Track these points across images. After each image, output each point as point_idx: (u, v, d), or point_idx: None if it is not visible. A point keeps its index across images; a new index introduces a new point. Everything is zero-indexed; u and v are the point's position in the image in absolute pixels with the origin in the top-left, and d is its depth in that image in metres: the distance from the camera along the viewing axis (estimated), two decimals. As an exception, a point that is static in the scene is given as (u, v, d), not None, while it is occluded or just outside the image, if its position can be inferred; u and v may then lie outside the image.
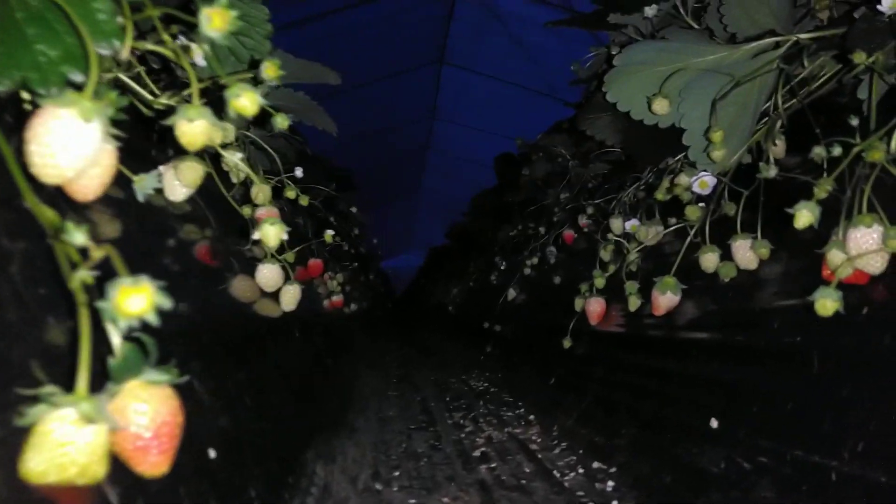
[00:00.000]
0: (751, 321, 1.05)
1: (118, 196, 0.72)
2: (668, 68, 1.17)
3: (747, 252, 1.02)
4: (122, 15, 0.56)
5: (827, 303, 0.70)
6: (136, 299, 0.34)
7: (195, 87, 0.51)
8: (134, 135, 0.82)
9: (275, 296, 1.03)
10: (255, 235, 0.70)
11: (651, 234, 1.34)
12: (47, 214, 0.46)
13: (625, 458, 1.15)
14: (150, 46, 0.58)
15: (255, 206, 1.06)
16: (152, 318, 0.36)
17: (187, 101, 0.52)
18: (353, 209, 2.27)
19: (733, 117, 1.12)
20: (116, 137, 0.56)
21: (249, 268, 1.02)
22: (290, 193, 1.20)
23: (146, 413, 0.43)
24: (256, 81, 0.97)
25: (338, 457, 1.10)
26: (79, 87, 0.47)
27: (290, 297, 1.03)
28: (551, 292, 2.05)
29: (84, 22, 0.45)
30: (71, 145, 0.40)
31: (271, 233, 0.71)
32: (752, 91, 1.11)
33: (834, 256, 0.72)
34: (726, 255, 1.03)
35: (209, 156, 0.88)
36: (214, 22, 0.50)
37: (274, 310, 1.21)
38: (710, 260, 1.06)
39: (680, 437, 1.05)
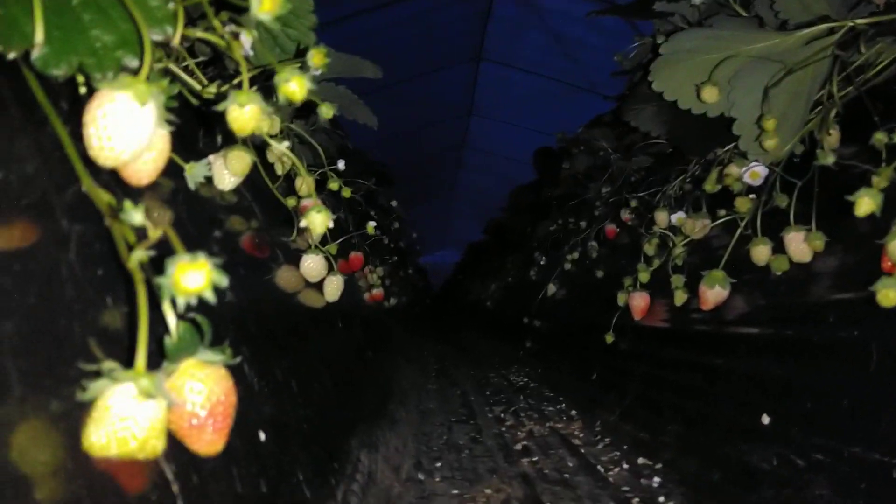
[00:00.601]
0: (804, 316, 1.02)
1: (168, 186, 0.74)
2: (718, 56, 1.14)
3: (801, 244, 0.99)
4: (174, 1, 0.56)
5: (890, 294, 0.68)
6: (195, 276, 0.35)
7: (245, 73, 0.51)
8: (184, 125, 0.84)
9: (318, 286, 1.04)
10: (302, 223, 0.71)
11: (698, 226, 1.31)
12: (103, 197, 0.47)
13: (671, 454, 1.13)
14: (200, 34, 0.58)
15: (299, 197, 1.07)
16: (209, 296, 0.36)
17: (237, 89, 0.53)
18: (394, 203, 2.28)
19: (786, 106, 1.09)
20: (170, 123, 0.57)
21: (294, 259, 1.04)
22: (334, 185, 1.21)
23: (201, 392, 0.43)
24: (302, 70, 0.98)
25: (380, 446, 1.10)
26: (133, 73, 0.48)
27: (334, 287, 1.04)
28: (592, 288, 2.02)
29: (137, 8, 0.45)
30: (126, 128, 0.41)
31: (318, 220, 0.71)
32: (805, 79, 1.08)
33: (896, 247, 0.69)
34: (778, 248, 1.00)
35: (254, 148, 0.89)
36: (265, 5, 0.50)
37: (317, 300, 1.22)
38: (761, 253, 1.03)
39: (729, 434, 1.02)
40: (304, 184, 1.19)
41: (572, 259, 2.28)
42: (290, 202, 1.07)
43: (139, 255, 0.39)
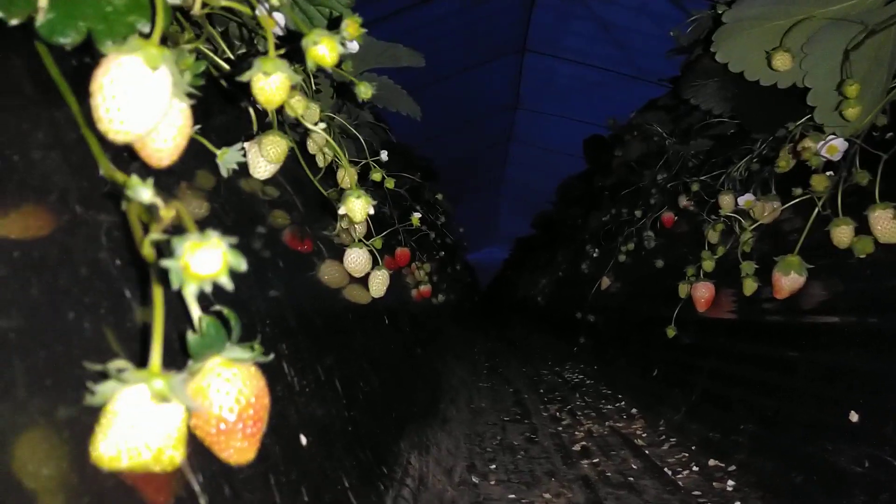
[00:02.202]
0: (893, 302, 0.92)
1: (207, 179, 0.70)
2: (788, 21, 1.05)
3: (888, 223, 0.90)
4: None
5: None
6: (208, 258, 0.29)
7: (271, 38, 0.46)
8: (216, 111, 0.80)
9: (363, 282, 0.99)
10: (341, 210, 0.66)
11: (768, 209, 1.21)
12: (119, 177, 0.42)
13: (745, 455, 1.04)
14: (224, 2, 0.54)
15: (341, 190, 1.03)
16: (226, 282, 0.31)
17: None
18: (439, 196, 2.23)
19: (865, 72, 0.99)
20: (193, 97, 0.52)
21: (338, 254, 0.99)
22: (377, 175, 1.16)
23: (229, 393, 0.38)
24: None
25: (432, 447, 1.05)
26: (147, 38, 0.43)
27: (379, 283, 0.99)
28: (649, 279, 1.93)
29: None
30: (137, 97, 0.36)
31: (357, 206, 0.66)
32: (888, 41, 0.98)
33: None
34: (862, 229, 0.91)
35: (295, 143, 0.85)
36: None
37: (363, 296, 1.17)
38: (843, 234, 0.94)
39: (811, 432, 0.93)
40: (346, 175, 1.15)
41: (627, 250, 2.19)
42: (333, 195, 1.02)
43: (154, 237, 0.35)
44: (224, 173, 0.63)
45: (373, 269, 0.96)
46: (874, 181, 0.92)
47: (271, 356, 0.42)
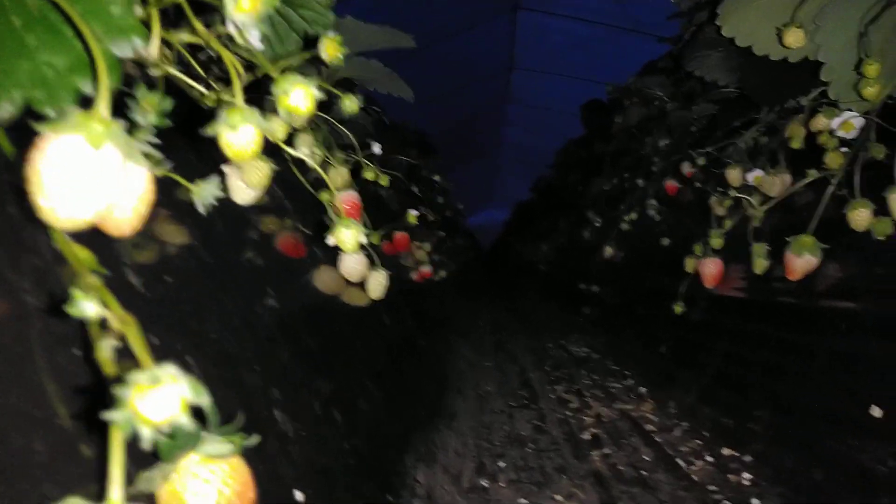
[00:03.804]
0: (916, 287, 0.88)
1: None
2: (798, -10, 0.98)
3: (909, 205, 0.85)
4: (146, 4, 0.47)
5: None
6: (160, 401, 0.25)
7: (237, 86, 0.41)
8: (195, 132, 0.75)
9: (361, 284, 0.95)
10: (331, 241, 0.61)
11: (777, 183, 1.17)
12: (79, 255, 0.38)
13: (762, 446, 1.02)
14: (185, 38, 0.48)
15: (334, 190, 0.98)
16: (185, 422, 0.27)
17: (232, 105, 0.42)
18: (437, 177, 2.17)
19: (882, 44, 0.93)
20: (152, 154, 0.48)
21: (333, 257, 0.94)
22: (370, 175, 1.11)
23: (208, 496, 0.34)
24: (317, 61, 0.86)
25: (439, 453, 1.02)
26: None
27: (377, 284, 0.95)
28: (654, 250, 1.89)
29: (94, 19, 0.36)
30: (82, 180, 0.31)
31: (348, 238, 0.61)
32: (907, 9, 0.92)
33: None
34: (880, 210, 0.86)
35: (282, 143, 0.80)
36: (242, 4, 0.39)
37: (361, 299, 1.14)
38: (861, 217, 0.89)
39: (831, 425, 0.90)
40: (338, 176, 1.09)
41: (630, 219, 2.14)
42: (325, 197, 0.98)
43: (106, 350, 0.30)
44: (202, 210, 0.58)
45: (371, 270, 0.91)
46: (892, 156, 0.87)
47: (255, 439, 0.39)
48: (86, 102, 0.33)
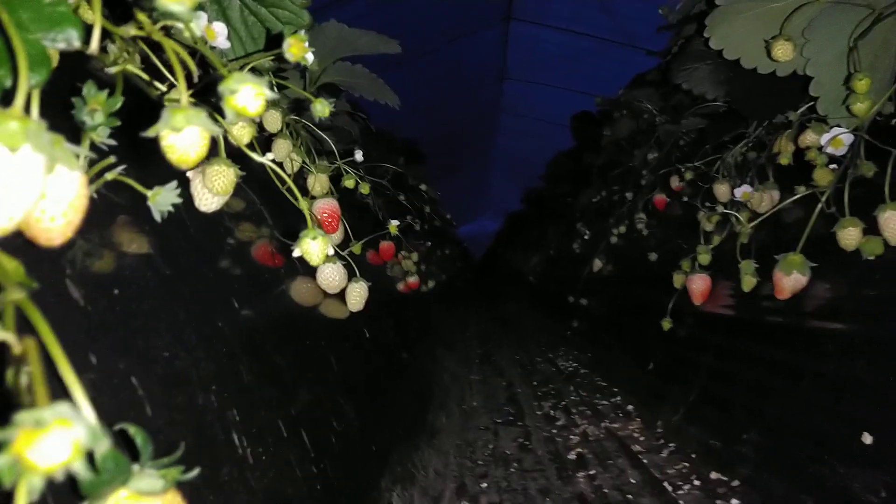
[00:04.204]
0: (907, 308, 0.86)
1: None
2: (787, 3, 0.96)
3: (899, 225, 0.83)
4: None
5: None
6: (51, 447, 0.22)
7: (181, 82, 0.38)
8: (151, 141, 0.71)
9: (340, 296, 0.91)
10: (296, 253, 0.58)
11: (765, 199, 1.15)
12: (6, 265, 0.35)
13: (750, 469, 0.99)
14: (132, 31, 0.45)
15: (312, 198, 0.95)
16: (80, 468, 0.23)
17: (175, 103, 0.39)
18: (423, 186, 2.15)
19: (871, 58, 0.91)
20: (92, 156, 0.44)
21: (311, 267, 0.91)
22: (349, 182, 1.08)
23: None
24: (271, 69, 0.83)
25: (418, 474, 0.99)
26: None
27: (357, 296, 0.91)
28: (643, 264, 1.86)
29: (22, 7, 0.33)
30: (-5, 189, 0.28)
31: (314, 250, 0.58)
32: (896, 26, 0.90)
33: None
34: (870, 229, 0.84)
35: (259, 144, 0.76)
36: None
37: (340, 311, 1.10)
38: (851, 236, 0.87)
39: (821, 450, 0.87)
40: (317, 183, 1.06)
41: (619, 232, 2.12)
42: (304, 205, 0.94)
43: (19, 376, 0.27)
44: (157, 217, 0.54)
45: (350, 281, 0.88)
46: (881, 174, 0.85)
47: (195, 471, 0.35)
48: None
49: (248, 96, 0.38)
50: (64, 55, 0.52)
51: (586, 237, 2.57)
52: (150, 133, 0.37)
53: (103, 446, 0.23)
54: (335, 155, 1.13)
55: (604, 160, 2.43)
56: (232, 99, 0.37)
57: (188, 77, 0.42)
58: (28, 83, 0.30)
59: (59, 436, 0.22)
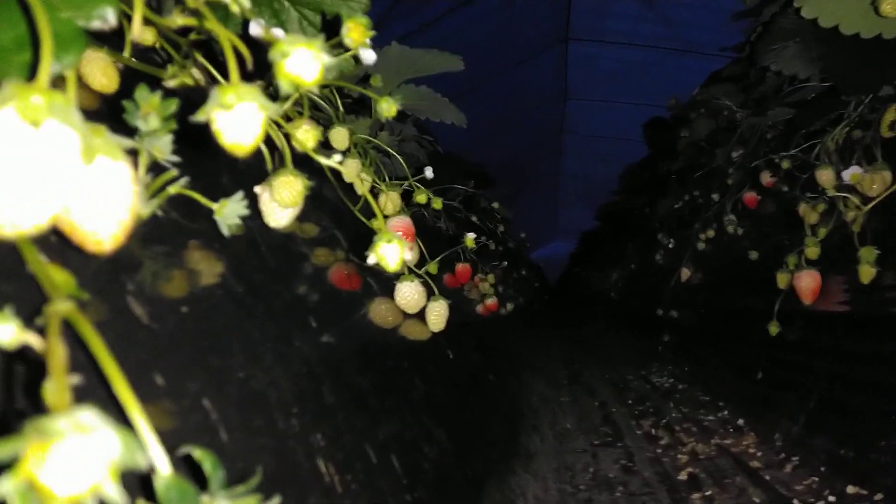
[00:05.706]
0: None
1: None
2: (888, -43, 0.87)
3: None
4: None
5: None
6: (66, 463, 0.17)
7: (230, 56, 0.34)
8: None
9: (420, 316, 0.86)
10: (371, 259, 0.53)
11: (877, 181, 1.04)
12: (58, 278, 0.31)
13: (893, 480, 0.87)
14: (178, 21, 0.42)
15: (385, 217, 0.92)
16: (115, 498, 0.18)
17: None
18: (495, 205, 2.10)
19: None
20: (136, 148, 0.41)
21: (389, 287, 0.86)
22: (421, 198, 1.04)
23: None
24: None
25: (518, 501, 0.92)
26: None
27: (438, 315, 0.86)
28: (737, 268, 1.75)
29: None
30: (11, 170, 0.24)
31: (390, 254, 0.53)
32: None
33: None
34: None
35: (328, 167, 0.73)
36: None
37: (420, 332, 1.05)
38: None
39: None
40: (389, 201, 1.02)
41: (706, 237, 2.00)
42: (376, 224, 0.91)
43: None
44: (225, 231, 0.51)
45: (429, 300, 0.83)
46: None
47: (276, 500, 0.30)
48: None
49: (302, 60, 0.33)
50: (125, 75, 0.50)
51: (670, 246, 2.45)
52: (199, 117, 0.34)
53: (139, 462, 0.18)
54: (405, 175, 1.10)
55: (682, 164, 2.32)
56: (283, 66, 0.33)
57: (241, 62, 0.39)
58: (51, 57, 0.27)
59: (80, 449, 0.17)
